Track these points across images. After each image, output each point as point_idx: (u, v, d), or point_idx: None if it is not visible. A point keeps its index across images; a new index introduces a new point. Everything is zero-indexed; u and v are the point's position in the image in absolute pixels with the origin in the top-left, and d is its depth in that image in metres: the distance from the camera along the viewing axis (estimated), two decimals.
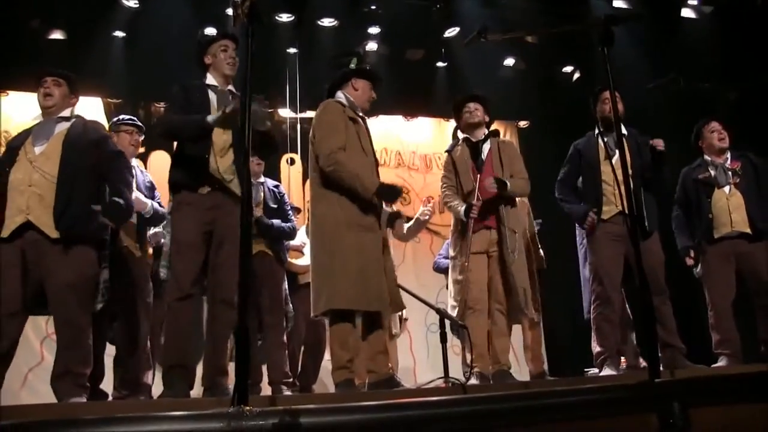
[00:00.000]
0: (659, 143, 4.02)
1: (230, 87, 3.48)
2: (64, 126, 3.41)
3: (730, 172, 4.29)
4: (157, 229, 4.26)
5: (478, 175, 3.95)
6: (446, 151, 4.24)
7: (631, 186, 3.86)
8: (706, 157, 4.40)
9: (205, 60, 3.47)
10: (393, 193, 3.35)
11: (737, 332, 4.16)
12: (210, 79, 3.45)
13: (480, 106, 4.09)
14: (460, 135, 4.19)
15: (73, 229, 3.21)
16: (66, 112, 3.46)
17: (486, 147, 4.05)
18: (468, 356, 3.84)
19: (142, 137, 4.28)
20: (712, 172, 4.32)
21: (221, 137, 3.27)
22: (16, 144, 3.40)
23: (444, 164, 4.25)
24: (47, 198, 3.21)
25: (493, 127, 4.27)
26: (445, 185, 4.14)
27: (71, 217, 3.20)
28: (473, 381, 3.66)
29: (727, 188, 4.26)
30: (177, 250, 3.22)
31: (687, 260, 4.39)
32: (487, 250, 3.90)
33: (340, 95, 3.48)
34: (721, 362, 4.10)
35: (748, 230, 4.19)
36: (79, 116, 3.51)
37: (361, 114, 3.50)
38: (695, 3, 6.84)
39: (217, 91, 3.41)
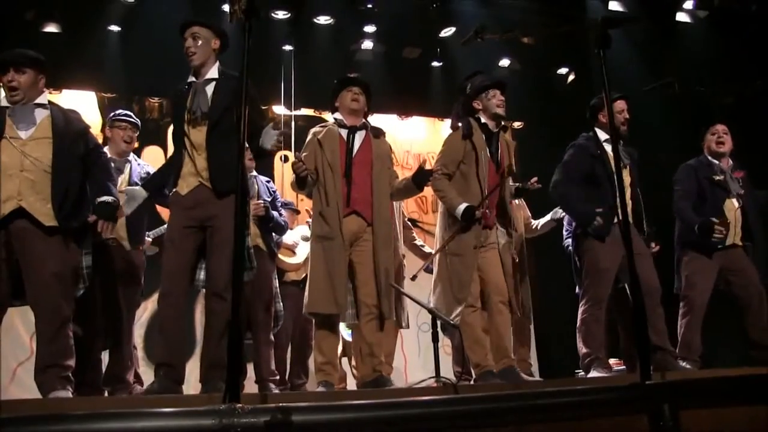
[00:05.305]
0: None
1: (210, 75, 3.32)
2: (44, 112, 3.26)
3: (736, 181, 4.25)
4: None
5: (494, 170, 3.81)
6: (464, 137, 3.76)
7: (639, 193, 3.96)
8: (711, 159, 4.34)
9: None
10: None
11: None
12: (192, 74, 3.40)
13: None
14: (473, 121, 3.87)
15: (70, 218, 3.16)
16: (41, 99, 3.28)
17: (497, 140, 3.90)
18: (468, 356, 3.76)
19: (137, 133, 4.23)
20: (723, 177, 4.26)
21: (198, 136, 3.25)
22: None
23: (452, 147, 3.83)
24: (39, 185, 3.12)
25: None
26: (442, 172, 3.78)
27: (69, 207, 3.16)
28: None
29: (735, 199, 4.23)
30: (164, 251, 3.33)
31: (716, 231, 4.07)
32: (477, 245, 3.74)
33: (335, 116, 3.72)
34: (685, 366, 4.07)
35: (739, 243, 4.20)
36: (52, 102, 3.36)
37: (350, 124, 3.63)
38: (690, 7, 6.87)
39: (194, 84, 3.32)
